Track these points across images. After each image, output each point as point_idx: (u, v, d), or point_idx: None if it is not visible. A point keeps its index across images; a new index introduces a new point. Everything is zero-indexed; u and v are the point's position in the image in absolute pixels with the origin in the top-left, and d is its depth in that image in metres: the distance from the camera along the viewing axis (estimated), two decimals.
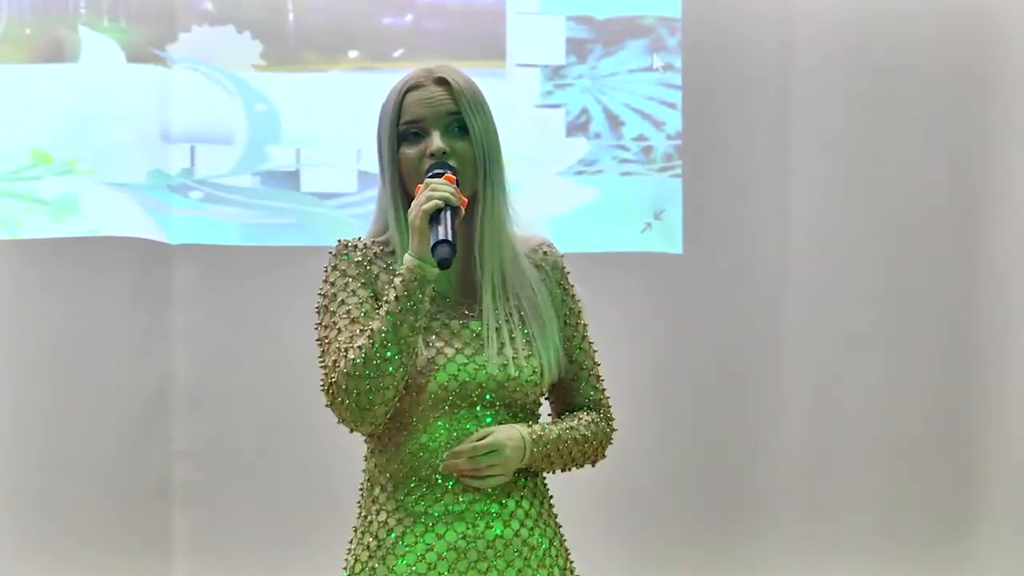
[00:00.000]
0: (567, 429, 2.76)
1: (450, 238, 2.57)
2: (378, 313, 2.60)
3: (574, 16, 5.16)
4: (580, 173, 5.10)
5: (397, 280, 2.61)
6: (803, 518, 5.16)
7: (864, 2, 5.19)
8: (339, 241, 2.76)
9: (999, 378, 5.20)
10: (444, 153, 2.69)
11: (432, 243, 2.58)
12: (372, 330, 2.59)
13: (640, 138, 5.16)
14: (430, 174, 2.66)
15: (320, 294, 2.72)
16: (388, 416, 2.64)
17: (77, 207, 4.99)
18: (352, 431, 2.69)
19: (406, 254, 2.62)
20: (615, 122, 5.15)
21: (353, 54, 5.11)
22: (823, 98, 5.18)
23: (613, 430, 2.85)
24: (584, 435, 2.78)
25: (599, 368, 2.85)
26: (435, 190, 2.61)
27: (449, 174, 2.66)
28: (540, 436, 2.71)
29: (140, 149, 5.01)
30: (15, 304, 5.00)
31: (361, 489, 2.76)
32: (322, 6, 5.10)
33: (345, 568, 2.77)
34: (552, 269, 2.82)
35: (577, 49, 5.15)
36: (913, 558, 5.19)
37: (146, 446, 5.01)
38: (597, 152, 5.14)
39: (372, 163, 5.05)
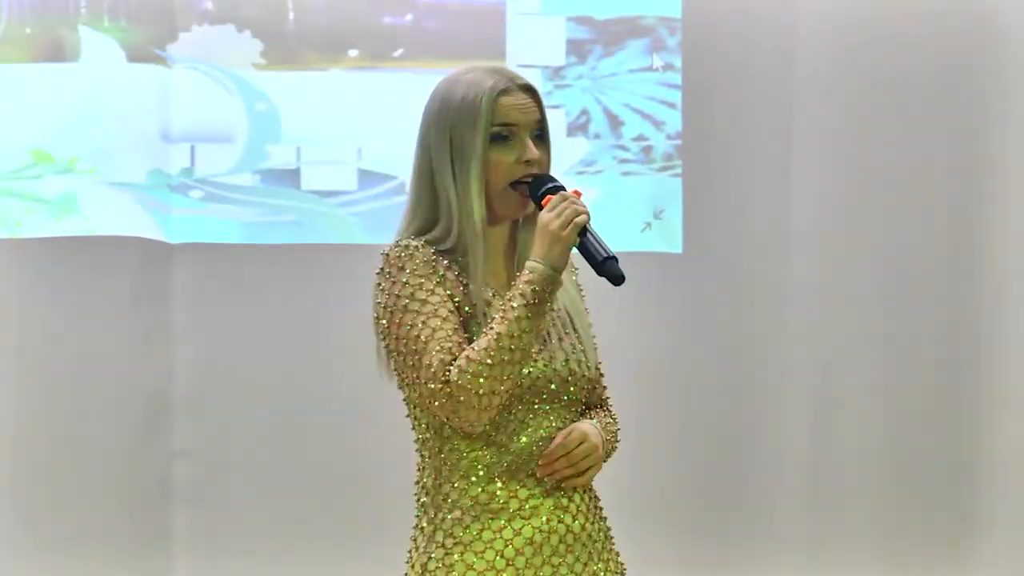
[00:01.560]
0: (605, 424, 2.81)
1: (613, 254, 2.63)
2: (502, 317, 2.62)
3: (574, 16, 5.16)
4: (580, 173, 5.10)
5: (527, 288, 2.62)
6: (803, 517, 5.16)
7: (864, 2, 5.20)
8: (398, 242, 2.72)
9: (1000, 378, 5.20)
10: (539, 163, 2.73)
11: (601, 259, 2.62)
12: (499, 333, 2.61)
13: (640, 138, 5.16)
14: (550, 185, 2.69)
15: (393, 294, 2.69)
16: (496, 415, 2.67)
17: (77, 206, 4.99)
18: (466, 427, 2.67)
19: (534, 262, 2.64)
20: (615, 122, 5.16)
21: (353, 53, 5.11)
22: (823, 98, 5.18)
23: (619, 427, 2.89)
24: (615, 430, 2.84)
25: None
26: (579, 204, 2.65)
27: (577, 189, 2.69)
28: (603, 427, 2.78)
29: (140, 148, 5.01)
30: (15, 303, 4.99)
31: (422, 488, 2.76)
32: (322, 5, 5.10)
33: (410, 565, 2.76)
34: (571, 269, 2.84)
35: (577, 49, 5.16)
36: (914, 557, 5.19)
37: (146, 446, 5.01)
38: (597, 152, 5.14)
39: (372, 161, 5.09)
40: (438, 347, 2.62)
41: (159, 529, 5.00)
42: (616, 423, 2.85)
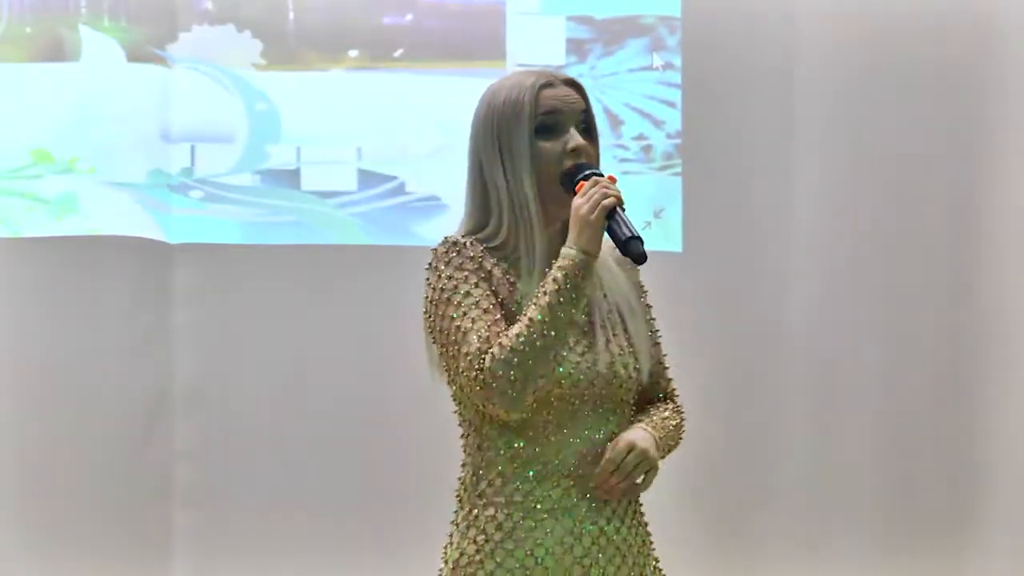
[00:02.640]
0: (662, 420, 2.83)
1: (639, 234, 2.63)
2: (535, 304, 2.63)
3: (574, 16, 5.16)
4: None
5: (558, 273, 2.63)
6: (804, 516, 5.16)
7: (864, 1, 5.20)
8: (446, 239, 2.75)
9: (1000, 377, 5.21)
10: (585, 152, 2.73)
11: (624, 238, 2.63)
12: (532, 320, 2.62)
13: (640, 137, 5.17)
14: (587, 172, 2.70)
15: (438, 288, 2.72)
16: (533, 404, 2.67)
17: (77, 206, 5.00)
18: (500, 417, 2.69)
19: (566, 247, 2.65)
20: (615, 121, 5.16)
21: (353, 53, 5.11)
22: (823, 97, 5.19)
23: (684, 418, 2.94)
24: (674, 423, 2.87)
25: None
26: (609, 188, 2.66)
27: (611, 175, 2.70)
28: (655, 427, 2.79)
29: (140, 148, 5.01)
30: (15, 303, 4.99)
31: (461, 484, 2.78)
32: (322, 5, 5.10)
33: (444, 560, 2.77)
34: (631, 268, 2.86)
35: (577, 49, 5.16)
36: (913, 557, 5.19)
37: (146, 446, 5.01)
38: None
39: (372, 162, 5.08)
40: (476, 336, 2.64)
41: (159, 529, 5.00)
42: (677, 415, 2.89)
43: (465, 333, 2.66)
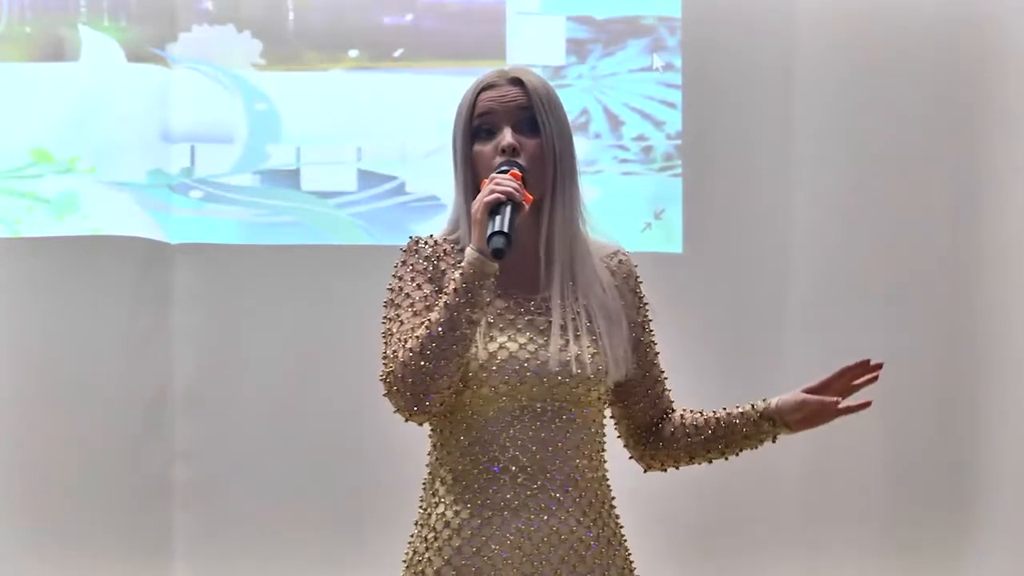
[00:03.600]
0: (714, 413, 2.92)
1: (506, 230, 2.59)
2: (437, 305, 2.63)
3: (574, 16, 5.16)
4: (580, 173, 5.10)
5: (457, 273, 2.63)
6: (803, 516, 5.16)
7: (864, 2, 5.19)
8: (411, 237, 2.79)
9: (999, 378, 5.20)
10: (514, 150, 2.72)
11: (488, 234, 2.60)
12: (431, 321, 2.62)
13: (640, 138, 5.16)
14: (498, 171, 2.68)
15: (388, 288, 2.75)
16: (444, 407, 2.67)
17: (77, 206, 5.00)
18: (407, 420, 2.70)
19: (467, 248, 2.64)
20: (615, 122, 5.16)
21: (353, 53, 5.11)
22: (823, 98, 5.18)
23: None
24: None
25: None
26: (498, 184, 2.63)
27: (515, 171, 2.68)
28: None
29: (140, 148, 5.01)
30: (15, 303, 4.99)
31: (424, 484, 2.78)
32: (322, 5, 5.10)
33: (404, 559, 2.78)
34: (627, 276, 2.86)
35: (577, 49, 5.16)
36: (913, 558, 5.18)
37: (146, 446, 5.00)
38: (597, 152, 5.15)
39: (372, 162, 5.09)
40: (396, 339, 2.66)
41: (159, 529, 5.00)
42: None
43: (391, 335, 2.68)
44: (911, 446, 5.19)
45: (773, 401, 2.90)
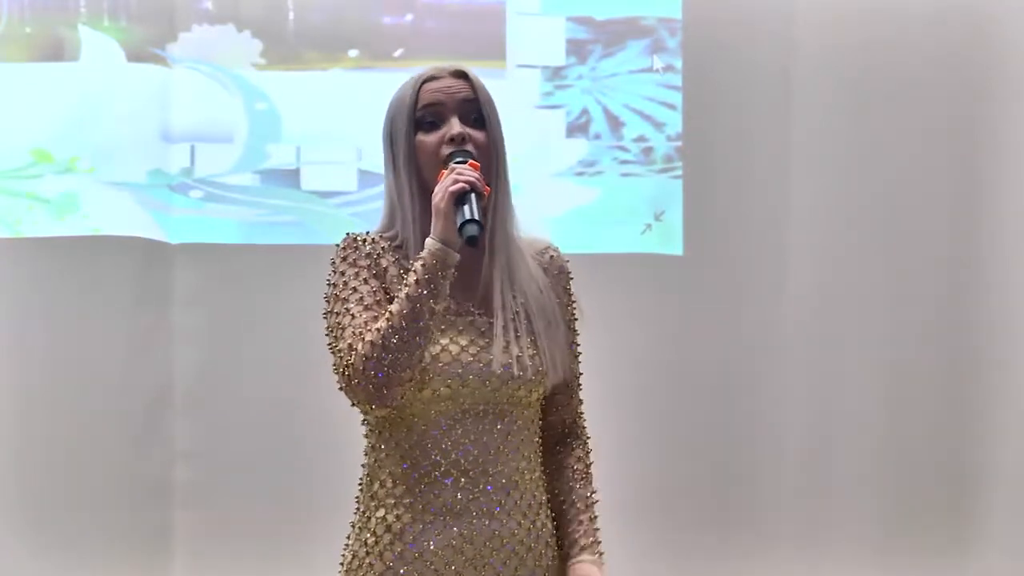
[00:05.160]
0: (589, 505, 2.78)
1: (477, 218, 2.56)
2: (397, 296, 2.60)
3: (574, 17, 5.16)
4: (580, 174, 5.10)
5: (418, 264, 2.60)
6: (803, 518, 5.16)
7: (864, 3, 5.20)
8: (348, 234, 2.75)
9: (999, 378, 5.20)
10: (464, 139, 2.69)
11: (459, 223, 2.57)
12: (391, 312, 2.59)
13: (640, 139, 5.16)
14: (454, 161, 2.65)
15: (330, 283, 2.72)
16: (404, 400, 2.63)
17: (78, 206, 5.00)
18: (366, 413, 2.69)
19: (428, 239, 2.60)
20: (615, 123, 5.16)
21: (353, 53, 5.11)
22: (823, 99, 5.18)
23: (591, 453, 2.85)
24: (593, 489, 2.81)
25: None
26: (461, 174, 2.60)
27: (473, 161, 2.65)
28: (594, 535, 2.75)
29: (140, 148, 5.01)
30: (15, 303, 4.99)
31: (360, 485, 2.76)
32: (322, 5, 5.10)
33: (342, 563, 2.77)
34: (558, 273, 2.82)
35: (577, 50, 5.16)
36: (913, 558, 5.19)
37: (146, 446, 5.00)
38: (597, 153, 5.14)
39: (372, 162, 5.08)
40: (351, 332, 2.63)
41: (159, 529, 5.00)
42: (588, 461, 2.81)
43: (343, 329, 2.65)
44: (911, 446, 5.19)
45: (575, 564, 2.76)
